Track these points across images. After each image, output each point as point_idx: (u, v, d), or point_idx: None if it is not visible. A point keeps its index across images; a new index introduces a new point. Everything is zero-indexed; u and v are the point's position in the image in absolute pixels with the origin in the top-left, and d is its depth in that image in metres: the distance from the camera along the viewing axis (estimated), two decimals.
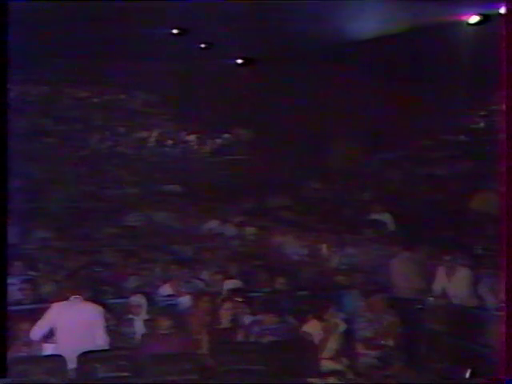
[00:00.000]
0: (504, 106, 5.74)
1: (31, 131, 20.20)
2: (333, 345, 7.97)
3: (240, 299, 8.86)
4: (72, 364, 7.07)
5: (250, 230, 13.02)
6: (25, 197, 15.97)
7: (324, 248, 11.56)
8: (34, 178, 17.23)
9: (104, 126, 21.28)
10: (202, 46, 15.21)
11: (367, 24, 13.30)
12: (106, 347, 7.47)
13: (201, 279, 10.04)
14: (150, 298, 8.91)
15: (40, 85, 21.54)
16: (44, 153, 18.90)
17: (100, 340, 7.45)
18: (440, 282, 9.47)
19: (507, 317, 5.84)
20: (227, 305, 8.62)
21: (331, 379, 7.19)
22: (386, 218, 12.35)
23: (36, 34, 15.07)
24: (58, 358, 7.00)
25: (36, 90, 21.66)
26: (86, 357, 7.05)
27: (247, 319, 8.58)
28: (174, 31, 14.01)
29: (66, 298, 7.56)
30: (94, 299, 7.91)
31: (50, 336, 7.41)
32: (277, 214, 14.10)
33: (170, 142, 21.19)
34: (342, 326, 8.20)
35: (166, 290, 9.53)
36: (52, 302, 7.68)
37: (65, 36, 15.07)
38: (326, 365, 7.69)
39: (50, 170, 17.89)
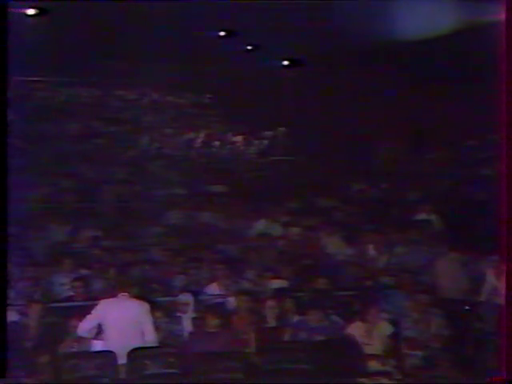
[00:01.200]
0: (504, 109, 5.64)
1: (82, 133, 20.46)
2: (379, 345, 7.87)
3: (286, 299, 8.81)
4: (122, 360, 7.08)
5: (296, 230, 12.95)
6: (76, 196, 16.19)
7: (370, 248, 11.44)
8: (84, 178, 17.44)
9: (152, 128, 21.44)
10: (249, 47, 15.21)
11: (415, 24, 13.13)
12: (154, 344, 7.47)
13: (247, 279, 10.01)
14: (198, 297, 8.91)
15: (91, 87, 21.80)
16: (94, 154, 19.12)
17: (148, 337, 7.45)
18: (488, 282, 9.29)
19: (507, 317, 5.75)
20: (273, 304, 8.57)
21: (378, 379, 7.09)
22: (433, 218, 12.19)
23: (86, 36, 15.24)
24: (108, 354, 7.03)
25: (87, 93, 21.93)
26: (135, 353, 7.05)
27: (293, 319, 8.52)
28: (221, 33, 14.03)
29: (114, 296, 7.58)
30: (142, 297, 7.92)
31: (98, 333, 7.43)
32: (323, 214, 14.00)
33: (216, 142, 21.25)
34: (389, 327, 8.09)
35: (213, 288, 9.51)
36: (101, 299, 7.70)
37: (114, 38, 15.20)
38: (373, 365, 7.59)
39: (100, 171, 18.06)
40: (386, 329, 8.06)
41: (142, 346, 7.28)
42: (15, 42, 16.28)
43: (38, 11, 13.35)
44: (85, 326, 7.34)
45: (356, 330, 8.00)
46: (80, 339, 7.41)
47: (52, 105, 21.48)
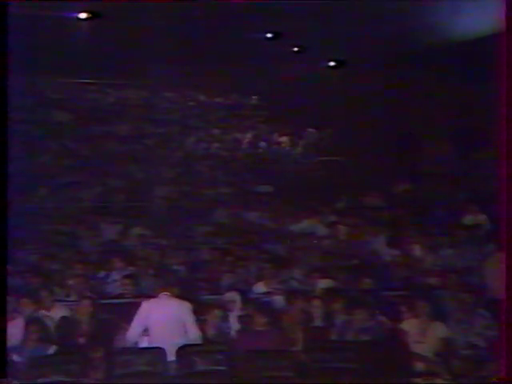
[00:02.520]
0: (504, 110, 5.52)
1: (131, 134, 20.67)
2: (432, 344, 7.76)
3: (333, 298, 8.74)
4: (171, 357, 7.10)
5: (342, 230, 12.87)
6: (125, 196, 16.36)
7: (416, 248, 11.31)
8: (134, 178, 17.61)
9: (200, 128, 21.55)
10: (295, 49, 15.19)
11: (462, 24, 12.95)
12: (198, 342, 7.46)
13: (294, 278, 9.97)
14: (245, 295, 8.90)
15: (139, 89, 22.00)
16: (143, 154, 19.29)
17: (191, 335, 7.45)
18: None
19: (507, 317, 5.66)
20: (320, 303, 8.52)
21: (428, 379, 6.99)
22: (481, 219, 12.00)
23: (136, 39, 15.37)
24: (158, 350, 7.05)
25: (136, 94, 22.13)
26: (184, 350, 7.07)
27: (340, 318, 8.45)
28: (268, 35, 14.03)
29: (156, 296, 7.59)
30: (184, 296, 7.92)
31: (145, 333, 7.45)
32: (369, 213, 13.89)
33: (263, 143, 21.26)
34: (442, 326, 7.97)
35: (260, 287, 9.50)
36: (147, 299, 7.72)
37: (162, 40, 15.31)
38: (422, 365, 7.48)
39: (149, 171, 18.21)
40: (439, 328, 7.94)
41: (187, 344, 7.28)
42: (67, 46, 16.58)
43: (90, 15, 13.50)
44: (133, 333, 7.35)
45: (409, 327, 7.89)
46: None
47: (102, 106, 21.73)
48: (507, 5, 5.86)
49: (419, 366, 7.45)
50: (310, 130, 20.99)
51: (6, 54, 5.01)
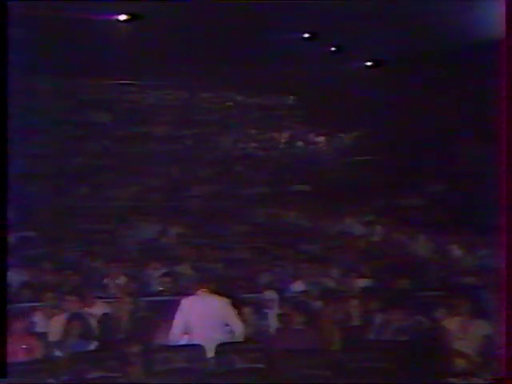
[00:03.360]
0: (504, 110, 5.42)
1: (170, 134, 20.81)
2: (474, 342, 7.66)
3: (371, 297, 8.70)
4: (210, 354, 7.12)
5: (379, 229, 12.82)
6: (163, 195, 16.49)
7: (454, 248, 11.21)
8: (172, 178, 17.73)
9: (237, 128, 21.60)
10: (332, 49, 15.16)
11: (495, 23, 12.77)
12: (241, 337, 7.46)
13: (331, 277, 9.94)
14: (282, 294, 8.90)
15: (178, 90, 22.13)
16: (181, 154, 19.41)
17: (235, 328, 7.45)
18: None
19: (507, 316, 5.56)
20: (358, 303, 8.47)
21: (467, 379, 6.91)
22: None
23: (175, 40, 15.46)
24: (197, 348, 7.08)
25: (174, 96, 22.27)
26: (222, 347, 7.08)
27: (378, 317, 8.40)
28: (305, 35, 14.02)
29: (194, 293, 7.61)
30: (227, 293, 7.93)
31: (186, 330, 7.48)
32: (406, 213, 13.81)
33: (299, 143, 21.24)
34: (485, 324, 7.88)
35: (298, 286, 9.48)
36: (186, 296, 7.74)
37: (200, 41, 15.37)
38: (460, 365, 7.40)
39: (186, 171, 18.31)
40: (481, 326, 7.84)
41: (227, 340, 7.30)
42: (107, 47, 16.73)
43: (129, 17, 13.61)
44: (174, 330, 7.38)
45: (450, 325, 7.81)
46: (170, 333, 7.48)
47: (141, 107, 21.90)
48: (507, 5, 5.79)
49: (459, 365, 7.37)
50: (348, 129, 20.91)
51: (6, 54, 5.00)
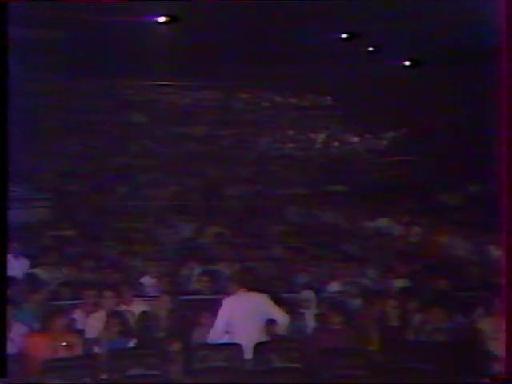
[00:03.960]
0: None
1: (207, 135, 20.89)
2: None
3: (408, 297, 8.62)
4: (249, 353, 7.12)
5: (416, 229, 12.70)
6: (201, 195, 16.53)
7: (493, 248, 11.04)
8: (209, 178, 17.79)
9: (274, 129, 21.60)
10: (370, 49, 15.08)
11: None
12: (285, 328, 7.43)
13: (368, 277, 9.87)
14: (320, 294, 8.86)
15: (215, 91, 22.20)
16: (219, 154, 19.46)
17: (280, 320, 7.43)
18: None
19: (507, 316, 5.51)
20: (396, 303, 8.40)
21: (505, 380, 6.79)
22: None
23: (211, 41, 15.51)
24: (235, 346, 7.08)
25: (211, 96, 22.34)
26: (261, 347, 7.07)
27: (416, 317, 8.32)
28: (343, 35, 13.96)
29: (236, 291, 7.61)
30: (264, 293, 7.91)
31: (227, 330, 7.48)
32: (444, 213, 13.66)
33: (336, 143, 21.16)
34: None
35: (335, 286, 9.44)
36: (226, 295, 7.75)
37: (236, 42, 15.39)
38: (498, 366, 7.28)
39: (224, 170, 18.36)
40: None
41: (270, 336, 7.29)
42: (145, 49, 16.83)
43: (168, 18, 13.69)
44: (216, 331, 7.39)
45: (488, 326, 7.70)
46: (209, 331, 7.49)
47: (178, 108, 22.01)
48: (507, 3, 5.68)
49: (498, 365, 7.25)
50: (385, 129, 20.77)
51: (6, 55, 5.00)
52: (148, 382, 6.76)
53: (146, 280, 9.35)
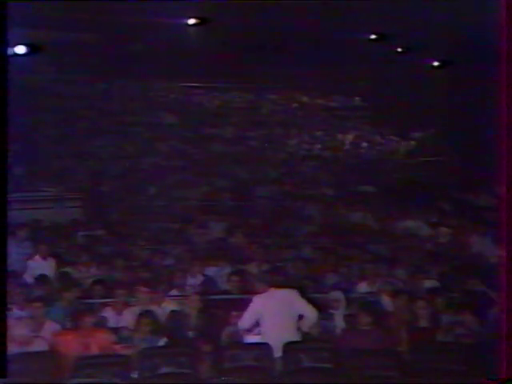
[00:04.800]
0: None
1: (236, 135, 20.89)
2: None
3: (438, 298, 8.53)
4: (278, 352, 7.09)
5: (445, 230, 12.56)
6: (231, 195, 16.54)
7: None
8: (239, 178, 17.78)
9: (303, 130, 21.54)
10: (399, 50, 14.97)
11: None
12: (315, 323, 7.39)
13: (398, 278, 9.78)
14: (349, 295, 8.79)
15: (244, 92, 22.21)
16: (248, 155, 19.46)
17: (309, 316, 7.39)
18: None
19: (507, 316, 5.47)
20: (425, 304, 8.32)
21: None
22: None
23: (241, 43, 15.52)
24: (265, 346, 7.05)
25: (241, 97, 22.35)
26: (290, 346, 7.04)
27: (445, 318, 8.24)
28: (372, 36, 13.89)
29: (266, 290, 7.58)
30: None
31: (255, 326, 7.47)
32: (473, 214, 13.50)
33: (365, 144, 21.05)
34: None
35: (364, 287, 9.37)
36: (256, 294, 7.73)
37: (266, 44, 15.38)
38: None
39: (253, 171, 18.35)
40: None
41: (299, 336, 7.27)
42: (177, 51, 16.86)
43: (198, 21, 13.73)
44: (244, 323, 7.38)
45: None
46: (237, 330, 7.48)
47: (208, 109, 22.06)
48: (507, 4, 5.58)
49: None
50: (414, 130, 20.62)
51: (6, 55, 4.99)
52: (178, 380, 6.76)
53: (177, 279, 9.36)
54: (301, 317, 7.44)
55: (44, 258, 9.87)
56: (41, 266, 9.69)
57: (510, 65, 5.48)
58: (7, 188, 4.90)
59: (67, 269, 9.80)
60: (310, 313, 7.39)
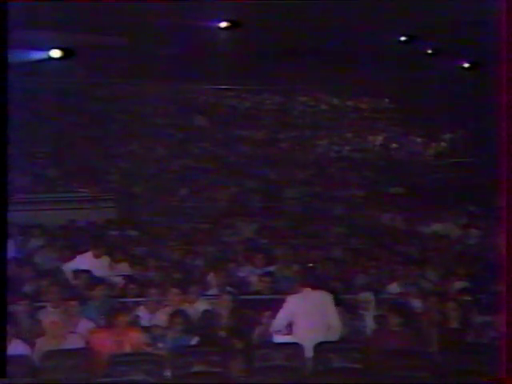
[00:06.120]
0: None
1: (266, 137, 20.91)
2: None
3: (468, 300, 8.45)
4: (309, 352, 7.08)
5: (475, 231, 12.45)
6: (261, 197, 16.56)
7: None
8: (269, 180, 17.79)
9: (332, 131, 21.49)
10: (429, 51, 14.89)
11: None
12: (337, 336, 7.37)
13: (428, 279, 9.71)
14: (378, 295, 8.74)
15: (274, 94, 22.22)
16: (278, 157, 19.46)
17: (334, 323, 7.37)
18: None
19: (507, 316, 5.42)
20: (455, 305, 8.24)
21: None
22: None
23: (272, 46, 15.53)
24: (296, 346, 7.04)
25: (271, 100, 22.37)
26: (321, 347, 7.02)
27: (476, 319, 8.15)
28: (402, 38, 13.83)
29: (299, 290, 7.57)
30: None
31: (287, 327, 7.46)
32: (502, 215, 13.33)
33: (394, 145, 20.93)
34: None
35: (394, 288, 9.31)
36: (288, 294, 7.72)
37: (296, 47, 15.36)
38: None
39: (283, 173, 18.34)
40: None
41: (328, 339, 7.23)
42: (208, 53, 16.91)
43: (229, 24, 13.77)
44: (279, 323, 7.37)
45: None
46: (268, 330, 7.48)
47: (239, 111, 22.10)
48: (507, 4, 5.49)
49: None
50: (443, 131, 20.46)
51: (6, 55, 5.00)
52: (210, 379, 6.78)
53: (208, 279, 9.39)
54: (328, 325, 7.41)
55: (97, 257, 9.87)
56: (94, 264, 9.70)
57: (510, 65, 5.42)
58: (7, 188, 4.93)
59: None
60: (336, 324, 7.36)
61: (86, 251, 10.00)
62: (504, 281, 5.54)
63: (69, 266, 9.70)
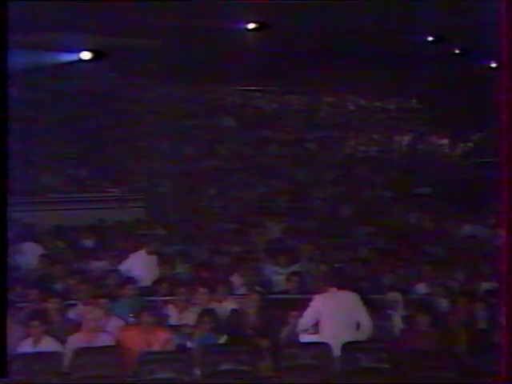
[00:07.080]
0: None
1: (294, 138, 20.90)
2: None
3: (496, 300, 8.35)
4: (337, 352, 7.05)
5: (502, 231, 12.29)
6: (288, 197, 16.54)
7: None
8: (296, 180, 17.77)
9: (359, 132, 21.40)
10: (456, 51, 14.76)
11: None
12: (370, 332, 7.33)
13: (455, 279, 9.62)
14: (406, 296, 8.68)
15: (301, 95, 22.19)
16: (305, 157, 19.44)
17: (364, 324, 7.32)
18: None
19: (507, 316, 5.43)
20: (483, 306, 8.16)
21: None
22: None
23: (298, 47, 15.50)
24: (324, 345, 7.02)
25: (298, 100, 22.34)
26: (349, 346, 6.99)
27: (504, 320, 8.05)
28: (430, 38, 13.73)
29: (326, 290, 7.54)
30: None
31: (313, 326, 7.44)
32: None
33: (422, 145, 20.80)
34: None
35: (422, 288, 9.24)
36: (315, 294, 7.70)
37: (322, 47, 15.32)
38: None
39: (310, 173, 18.31)
40: None
41: (356, 338, 7.19)
42: (236, 54, 16.94)
43: (257, 25, 13.78)
44: (305, 322, 7.36)
45: None
46: (296, 329, 7.46)
47: (266, 112, 22.10)
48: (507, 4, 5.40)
49: None
50: (470, 131, 20.28)
51: (6, 55, 4.98)
52: (238, 377, 6.78)
53: (236, 279, 9.39)
54: (357, 324, 7.36)
55: (150, 254, 9.88)
56: (148, 261, 9.73)
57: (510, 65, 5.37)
58: (7, 188, 4.96)
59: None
60: (367, 322, 7.31)
61: (137, 249, 9.96)
62: (504, 281, 5.48)
63: (125, 265, 9.69)
